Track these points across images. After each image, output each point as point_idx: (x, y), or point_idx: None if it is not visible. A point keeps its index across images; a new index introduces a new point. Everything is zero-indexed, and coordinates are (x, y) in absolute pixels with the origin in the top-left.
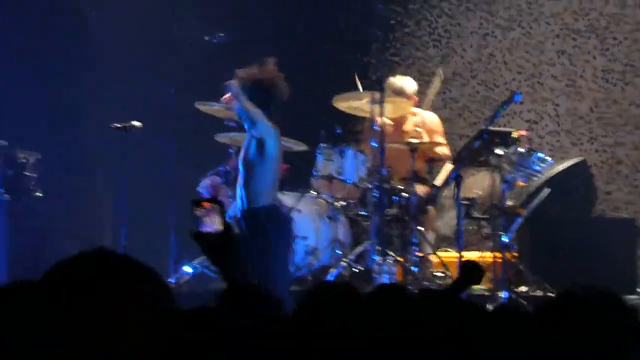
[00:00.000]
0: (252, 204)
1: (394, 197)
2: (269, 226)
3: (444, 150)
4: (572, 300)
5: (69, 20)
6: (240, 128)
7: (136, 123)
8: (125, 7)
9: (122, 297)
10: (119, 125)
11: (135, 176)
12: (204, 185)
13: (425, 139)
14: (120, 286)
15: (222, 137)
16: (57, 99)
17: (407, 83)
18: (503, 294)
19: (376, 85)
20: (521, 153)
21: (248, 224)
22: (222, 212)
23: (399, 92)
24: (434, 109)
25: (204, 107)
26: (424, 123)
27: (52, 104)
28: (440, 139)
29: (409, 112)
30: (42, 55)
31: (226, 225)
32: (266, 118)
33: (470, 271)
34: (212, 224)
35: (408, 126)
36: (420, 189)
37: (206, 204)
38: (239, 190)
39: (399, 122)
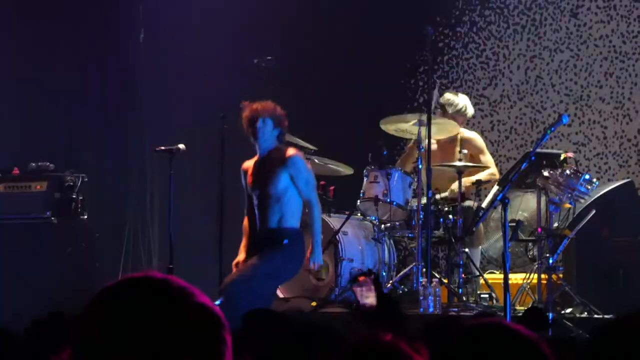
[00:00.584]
0: (281, 224)
1: (440, 219)
2: (289, 246)
3: (489, 172)
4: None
5: (119, 43)
6: None
7: (181, 146)
8: (174, 30)
9: (167, 322)
10: (163, 148)
11: (183, 199)
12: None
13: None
14: (165, 311)
15: None
16: (104, 122)
17: (466, 106)
18: (549, 316)
19: (423, 107)
20: (568, 175)
21: (271, 241)
22: (378, 283)
23: (458, 112)
24: (481, 130)
25: None
26: (469, 142)
27: (100, 126)
28: (487, 157)
29: (456, 133)
30: (90, 78)
31: (382, 297)
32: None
33: (534, 318)
34: (368, 297)
35: (452, 147)
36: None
37: (362, 278)
38: (268, 210)
39: (443, 142)
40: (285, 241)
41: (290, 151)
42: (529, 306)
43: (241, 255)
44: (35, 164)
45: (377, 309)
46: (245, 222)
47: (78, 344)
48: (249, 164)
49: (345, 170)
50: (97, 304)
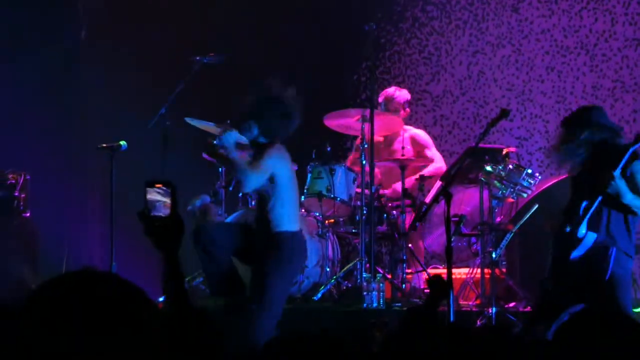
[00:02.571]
0: (276, 228)
1: (383, 215)
2: (288, 251)
3: (435, 166)
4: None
5: (60, 40)
6: None
7: (122, 142)
8: (115, 28)
9: (106, 316)
10: (105, 145)
11: (125, 195)
12: (196, 205)
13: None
14: (104, 305)
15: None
16: (47, 119)
17: (401, 93)
18: (492, 310)
19: (366, 103)
20: (511, 169)
21: (269, 245)
22: (174, 196)
23: (390, 101)
24: (424, 125)
25: (194, 123)
26: (414, 139)
27: (42, 123)
28: (433, 151)
29: (400, 128)
30: (31, 75)
31: (174, 211)
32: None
33: (436, 286)
34: (163, 207)
35: (398, 143)
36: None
37: (159, 185)
38: (261, 213)
39: (389, 139)
40: None
41: None
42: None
43: None
44: None
45: (168, 218)
46: None
47: (16, 338)
48: None
49: None
50: (36, 299)
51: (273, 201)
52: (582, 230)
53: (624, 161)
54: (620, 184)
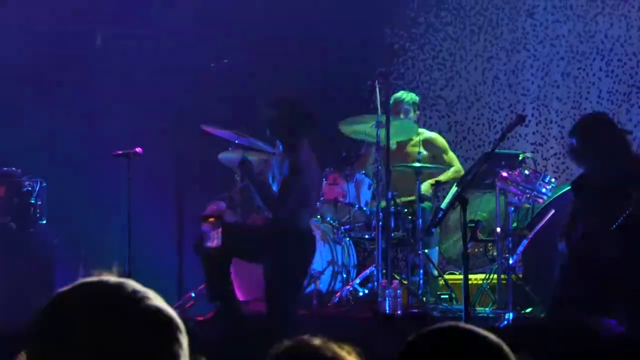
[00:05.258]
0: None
1: (399, 220)
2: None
3: (454, 169)
4: None
5: (73, 48)
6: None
7: (138, 150)
8: (129, 33)
9: (119, 326)
10: (121, 152)
11: (140, 202)
12: (210, 211)
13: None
14: (117, 315)
15: (226, 160)
16: (61, 126)
17: (408, 95)
18: (508, 316)
19: (381, 109)
20: (527, 175)
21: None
22: (224, 228)
23: (397, 103)
24: (438, 131)
25: (210, 130)
26: (429, 142)
27: (56, 130)
28: (450, 155)
29: (414, 134)
30: (44, 81)
31: (224, 242)
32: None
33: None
34: (215, 238)
35: (412, 147)
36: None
37: (212, 219)
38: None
39: (402, 143)
40: None
41: None
42: None
43: None
44: None
45: (219, 249)
46: None
47: (31, 349)
48: None
49: None
50: (50, 309)
51: None
52: None
53: None
54: None
